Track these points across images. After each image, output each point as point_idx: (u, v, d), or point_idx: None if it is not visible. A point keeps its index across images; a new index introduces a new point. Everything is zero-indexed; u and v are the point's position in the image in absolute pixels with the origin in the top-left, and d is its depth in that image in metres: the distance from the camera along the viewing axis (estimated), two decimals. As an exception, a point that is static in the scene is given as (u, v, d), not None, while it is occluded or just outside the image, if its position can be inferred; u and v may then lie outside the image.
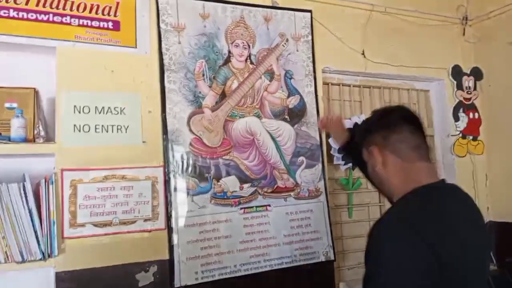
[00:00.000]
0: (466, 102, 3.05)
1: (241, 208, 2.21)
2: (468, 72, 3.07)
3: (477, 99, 3.09)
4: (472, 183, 3.00)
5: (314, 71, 2.50)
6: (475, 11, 3.11)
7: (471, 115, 3.05)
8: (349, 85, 2.80)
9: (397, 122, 1.29)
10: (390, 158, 1.27)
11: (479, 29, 3.09)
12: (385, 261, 1.06)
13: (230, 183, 2.19)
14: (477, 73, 3.08)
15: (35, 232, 1.77)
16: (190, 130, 2.14)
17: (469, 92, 3.07)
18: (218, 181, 2.16)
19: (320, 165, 2.43)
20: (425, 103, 3.11)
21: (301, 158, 2.38)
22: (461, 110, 3.02)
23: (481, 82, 3.09)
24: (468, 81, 3.07)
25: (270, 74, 2.37)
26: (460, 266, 1.10)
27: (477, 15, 3.09)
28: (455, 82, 3.03)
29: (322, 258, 2.35)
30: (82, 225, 1.91)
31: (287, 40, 2.44)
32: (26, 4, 1.92)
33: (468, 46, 3.12)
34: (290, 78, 2.42)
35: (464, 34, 3.11)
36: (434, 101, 3.11)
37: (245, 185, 2.23)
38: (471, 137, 3.03)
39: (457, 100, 3.03)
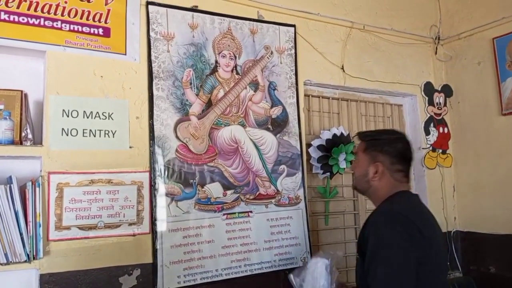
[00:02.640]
0: (437, 117, 3.23)
1: (224, 214, 2.27)
2: (439, 89, 3.25)
3: (447, 115, 3.28)
4: (441, 194, 3.17)
5: (297, 83, 2.60)
6: (447, 32, 3.30)
7: (441, 130, 3.23)
8: (328, 98, 2.92)
9: (406, 156, 1.67)
10: (387, 177, 1.64)
11: (450, 49, 3.29)
12: (387, 242, 1.43)
13: (214, 189, 2.25)
14: (447, 90, 3.27)
15: (21, 234, 1.78)
16: (177, 137, 2.19)
17: (440, 108, 3.25)
18: (202, 187, 2.22)
19: (300, 173, 2.53)
20: (398, 117, 3.26)
21: (282, 167, 2.47)
22: (431, 125, 3.20)
23: (451, 98, 3.28)
24: (439, 98, 3.25)
25: (255, 85, 2.46)
26: (435, 248, 1.50)
27: (449, 35, 3.28)
28: (426, 98, 3.20)
29: (300, 263, 2.44)
30: (68, 228, 1.92)
31: (271, 53, 2.53)
32: (18, 7, 1.94)
33: (439, 64, 3.31)
34: (274, 89, 2.51)
35: (436, 53, 3.30)
36: (407, 115, 3.28)
37: (229, 192, 2.29)
38: (440, 150, 3.20)
39: (428, 115, 3.20)
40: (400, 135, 1.77)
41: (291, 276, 1.81)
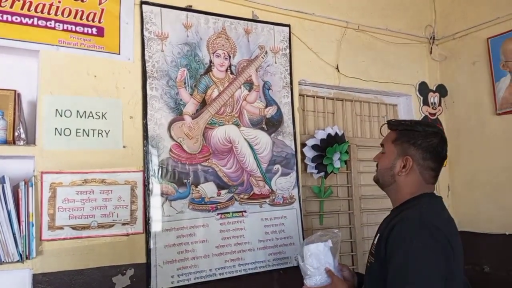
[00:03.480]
0: (431, 117, 3.23)
1: (218, 214, 2.27)
2: (434, 88, 3.26)
3: (441, 114, 3.29)
4: (436, 193, 3.16)
5: (291, 83, 2.61)
6: (441, 32, 3.31)
7: (435, 129, 3.23)
8: (323, 98, 2.92)
9: (440, 153, 1.51)
10: (415, 174, 1.49)
11: (445, 49, 3.29)
12: (417, 257, 1.29)
13: (208, 189, 2.25)
14: (442, 90, 3.28)
15: (14, 233, 1.78)
16: (171, 137, 2.19)
17: (434, 108, 3.25)
18: (196, 187, 2.22)
19: (294, 173, 2.53)
20: (393, 117, 3.27)
21: (277, 166, 2.47)
22: (426, 125, 3.20)
23: (445, 98, 3.29)
24: (433, 97, 3.25)
25: (249, 85, 2.46)
26: (458, 260, 1.39)
27: (444, 35, 3.29)
28: (421, 98, 3.21)
29: (294, 263, 2.44)
30: (61, 227, 1.92)
31: (266, 53, 2.53)
32: (11, 7, 1.94)
33: (434, 64, 3.32)
34: (268, 89, 2.51)
35: (431, 52, 3.30)
36: (402, 115, 3.28)
37: (223, 191, 2.30)
38: (435, 150, 3.20)
39: (423, 115, 3.21)
40: (437, 129, 1.57)
41: (299, 260, 1.74)
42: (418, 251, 1.30)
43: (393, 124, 1.59)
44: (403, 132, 1.54)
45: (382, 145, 1.62)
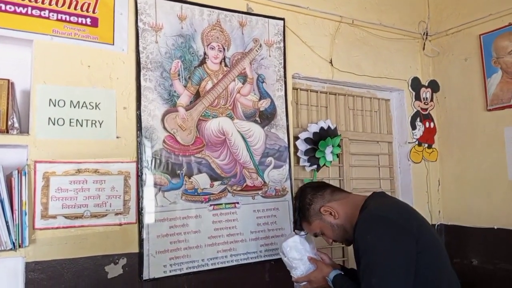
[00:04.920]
0: (423, 112, 3.27)
1: (211, 205, 2.29)
2: (426, 84, 3.29)
3: (433, 110, 3.32)
4: (426, 188, 3.22)
5: (285, 77, 2.62)
6: (435, 27, 3.34)
7: (427, 124, 3.27)
8: (316, 91, 2.94)
9: (318, 188, 1.77)
10: (338, 206, 1.68)
11: (438, 44, 3.32)
12: (373, 248, 1.43)
13: (201, 180, 2.27)
14: (434, 86, 3.31)
15: (6, 222, 1.79)
16: (164, 128, 2.20)
17: (426, 103, 3.29)
18: (189, 178, 2.24)
19: (287, 166, 2.55)
20: (385, 111, 3.30)
21: (269, 159, 2.49)
22: (418, 119, 3.24)
23: (437, 94, 3.32)
24: (425, 93, 3.29)
25: (243, 77, 2.47)
26: (428, 235, 1.52)
27: (437, 31, 3.32)
28: (413, 93, 3.24)
29: (286, 254, 2.48)
30: (54, 216, 1.93)
31: (260, 46, 2.55)
32: (5, -5, 1.93)
33: (427, 59, 3.35)
34: (262, 82, 2.53)
35: (424, 48, 3.33)
36: (394, 110, 3.31)
37: (216, 183, 2.31)
38: (426, 145, 3.25)
39: (415, 110, 3.24)
40: (299, 190, 1.85)
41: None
42: (373, 244, 1.44)
43: (296, 223, 1.81)
44: (301, 212, 1.76)
45: (315, 235, 1.80)
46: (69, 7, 2.06)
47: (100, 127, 2.08)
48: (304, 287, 1.79)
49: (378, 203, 1.60)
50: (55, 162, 1.96)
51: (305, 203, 1.74)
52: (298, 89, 2.84)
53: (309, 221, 1.74)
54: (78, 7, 2.09)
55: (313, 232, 1.79)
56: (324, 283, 1.71)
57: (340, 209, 1.68)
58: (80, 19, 2.09)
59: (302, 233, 1.81)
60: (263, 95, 2.53)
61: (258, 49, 2.54)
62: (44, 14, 2.01)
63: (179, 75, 2.27)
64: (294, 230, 1.86)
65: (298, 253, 1.79)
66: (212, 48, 2.39)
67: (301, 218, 1.77)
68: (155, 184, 2.15)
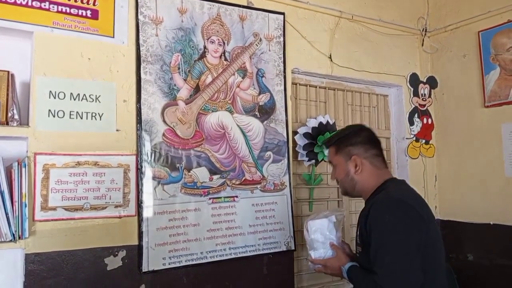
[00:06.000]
0: (421, 108, 3.29)
1: (210, 198, 2.30)
2: (424, 80, 3.31)
3: (431, 106, 3.34)
4: (423, 183, 3.24)
5: (284, 71, 2.63)
6: (433, 24, 3.35)
7: (424, 120, 3.29)
8: (315, 86, 2.95)
9: (375, 139, 1.73)
10: (367, 167, 1.68)
11: (437, 41, 3.33)
12: (391, 229, 1.46)
13: (200, 174, 2.28)
14: (432, 82, 3.33)
15: (6, 214, 1.79)
16: (164, 121, 2.21)
17: (424, 99, 3.30)
18: (189, 171, 2.25)
19: (285, 160, 2.57)
20: (384, 107, 3.32)
21: (268, 153, 2.51)
22: (416, 115, 3.25)
23: (435, 90, 3.34)
24: (424, 89, 3.30)
25: (243, 72, 2.48)
26: (434, 232, 1.55)
27: (436, 27, 3.33)
28: (412, 89, 3.25)
29: (284, 248, 2.50)
30: (53, 208, 1.94)
31: (260, 40, 2.55)
32: (5, -13, 1.92)
33: (425, 56, 3.36)
34: (262, 77, 2.53)
35: (422, 44, 3.34)
36: (392, 105, 3.33)
37: (215, 177, 2.32)
38: (423, 141, 3.27)
39: (413, 106, 3.25)
40: (360, 126, 1.82)
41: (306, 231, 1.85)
42: (392, 224, 1.47)
43: (328, 142, 1.82)
44: (338, 141, 1.75)
45: (330, 162, 1.83)
46: (69, -1, 2.06)
47: (100, 119, 2.09)
48: (318, 269, 1.81)
49: (400, 189, 1.64)
50: (55, 154, 1.96)
51: (349, 139, 1.72)
52: (297, 84, 2.85)
53: (338, 151, 1.74)
54: (79, -1, 2.08)
55: (329, 158, 1.81)
56: (338, 272, 1.71)
57: (365, 171, 1.68)
58: (80, 11, 2.08)
59: (333, 218, 1.81)
60: (263, 89, 2.54)
61: (258, 43, 2.54)
62: (45, 6, 2.01)
63: (179, 68, 2.28)
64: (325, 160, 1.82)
65: (322, 236, 1.78)
66: (212, 42, 2.39)
67: (335, 143, 1.76)
68: (155, 177, 2.16)
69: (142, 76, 2.17)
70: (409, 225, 1.47)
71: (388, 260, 1.43)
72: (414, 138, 3.23)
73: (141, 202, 2.11)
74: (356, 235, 1.69)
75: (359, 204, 3.07)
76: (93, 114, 2.07)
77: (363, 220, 1.58)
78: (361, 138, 1.71)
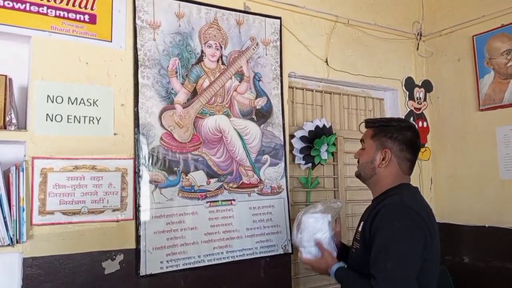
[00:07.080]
0: (417, 112, 3.31)
1: (207, 202, 2.31)
2: (420, 84, 3.34)
3: (426, 109, 3.37)
4: (419, 186, 3.22)
5: (281, 75, 2.65)
6: (428, 28, 3.38)
7: (420, 124, 3.32)
8: (312, 90, 2.97)
9: (415, 144, 1.65)
10: (393, 165, 1.62)
11: (432, 45, 3.37)
12: (398, 236, 1.43)
13: (198, 177, 2.29)
14: (427, 86, 3.36)
15: (4, 218, 1.79)
16: (162, 125, 2.22)
17: (420, 103, 3.33)
18: (186, 175, 2.26)
19: (282, 163, 2.58)
20: (379, 111, 3.34)
21: (265, 157, 2.52)
22: (411, 119, 3.28)
23: (430, 94, 3.37)
24: (419, 92, 3.33)
25: (240, 76, 2.49)
26: (435, 244, 1.52)
27: (431, 32, 3.36)
28: (407, 93, 3.28)
29: (281, 251, 2.51)
30: (51, 212, 1.94)
31: (257, 44, 2.57)
32: (3, -9, 1.93)
33: (420, 60, 3.39)
34: (259, 80, 2.55)
35: (418, 48, 3.37)
36: (388, 109, 3.36)
37: (212, 180, 2.33)
38: (419, 144, 3.28)
39: (409, 109, 3.28)
40: (410, 124, 1.73)
41: (294, 233, 1.79)
42: (399, 231, 1.44)
43: (370, 122, 1.73)
44: (379, 128, 1.67)
45: (362, 141, 1.75)
46: (67, 4, 2.07)
47: (98, 123, 2.09)
48: (307, 267, 1.77)
49: (414, 198, 1.59)
50: (53, 158, 1.96)
51: (391, 132, 1.64)
52: (294, 88, 2.87)
53: (374, 136, 1.67)
54: (77, 3, 2.09)
55: (363, 137, 1.73)
56: (325, 273, 1.68)
57: (389, 168, 1.62)
58: (78, 16, 2.09)
59: (328, 217, 1.75)
60: (260, 93, 2.55)
61: (255, 47, 2.56)
62: (43, 10, 2.01)
63: (176, 72, 2.29)
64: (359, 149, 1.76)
65: (312, 235, 1.71)
66: (210, 46, 2.41)
67: (376, 127, 1.69)
68: (152, 181, 2.16)
69: (140, 80, 2.18)
70: (417, 236, 1.45)
71: (390, 267, 1.41)
72: (410, 141, 3.24)
73: (139, 206, 2.12)
74: (357, 231, 1.64)
75: (356, 208, 3.09)
76: (91, 118, 2.08)
77: (370, 220, 1.54)
78: (402, 137, 1.62)
